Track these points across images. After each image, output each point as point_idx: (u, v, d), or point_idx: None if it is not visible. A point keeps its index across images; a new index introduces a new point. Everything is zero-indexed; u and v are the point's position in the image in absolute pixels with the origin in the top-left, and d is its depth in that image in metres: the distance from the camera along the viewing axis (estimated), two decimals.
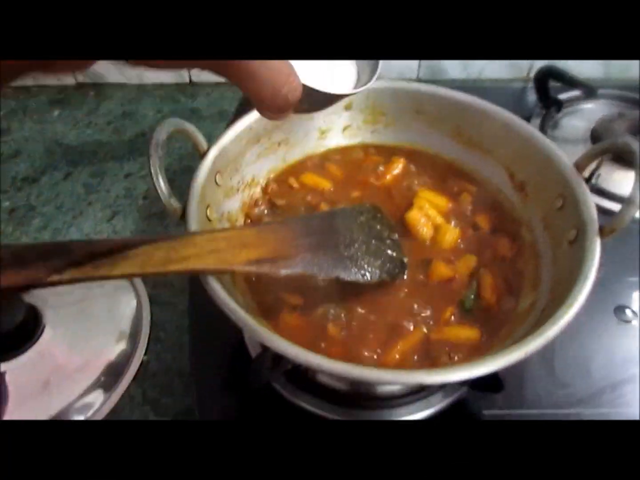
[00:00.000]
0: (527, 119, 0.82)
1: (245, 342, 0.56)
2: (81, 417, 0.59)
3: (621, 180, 0.73)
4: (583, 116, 0.83)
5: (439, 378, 0.35)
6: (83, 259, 0.35)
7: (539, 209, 0.52)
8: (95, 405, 0.61)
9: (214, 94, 1.06)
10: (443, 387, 0.53)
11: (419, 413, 0.52)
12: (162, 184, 0.44)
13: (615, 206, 0.71)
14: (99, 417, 0.60)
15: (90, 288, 0.71)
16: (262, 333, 0.37)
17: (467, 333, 0.47)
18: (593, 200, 0.46)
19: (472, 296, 0.49)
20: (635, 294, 0.63)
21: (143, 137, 0.96)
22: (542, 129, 0.80)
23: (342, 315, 0.47)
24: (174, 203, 0.45)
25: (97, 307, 0.70)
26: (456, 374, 0.35)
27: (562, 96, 0.86)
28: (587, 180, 0.67)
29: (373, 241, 0.50)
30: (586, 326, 0.60)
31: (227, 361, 0.57)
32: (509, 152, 0.56)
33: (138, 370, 0.68)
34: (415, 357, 0.45)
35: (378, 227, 0.52)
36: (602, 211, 0.46)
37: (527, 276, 0.50)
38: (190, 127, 0.48)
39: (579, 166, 0.49)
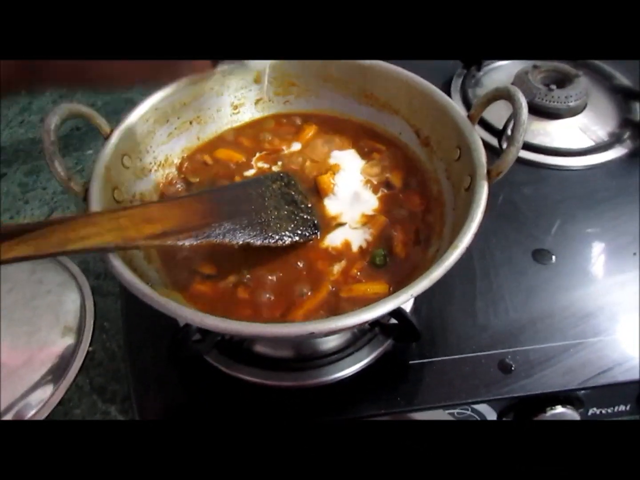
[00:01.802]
0: (450, 79, 0.84)
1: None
2: (30, 412, 0.60)
3: (537, 130, 0.76)
4: (503, 72, 0.85)
5: (329, 325, 0.37)
6: None
7: (442, 162, 0.54)
8: (44, 399, 0.62)
9: (149, 83, 1.06)
10: (369, 343, 0.56)
11: (349, 369, 0.54)
12: (58, 169, 0.44)
13: (532, 156, 0.73)
14: (47, 409, 0.61)
15: (32, 285, 0.72)
16: (156, 299, 0.38)
17: (375, 288, 0.48)
18: (483, 148, 0.48)
19: (383, 253, 0.50)
20: (554, 238, 0.66)
21: (78, 131, 0.96)
22: (464, 87, 0.82)
23: (253, 280, 0.48)
24: (75, 186, 0.46)
25: (40, 304, 0.71)
26: (345, 320, 0.37)
27: None
28: (502, 131, 0.69)
29: (286, 206, 0.51)
30: (505, 269, 0.62)
31: (162, 342, 0.59)
32: (413, 109, 0.57)
33: (84, 360, 0.69)
34: (322, 314, 0.46)
35: (292, 192, 0.53)
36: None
37: (435, 227, 0.52)
38: (88, 111, 0.49)
39: (472, 116, 0.50)
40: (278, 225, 0.49)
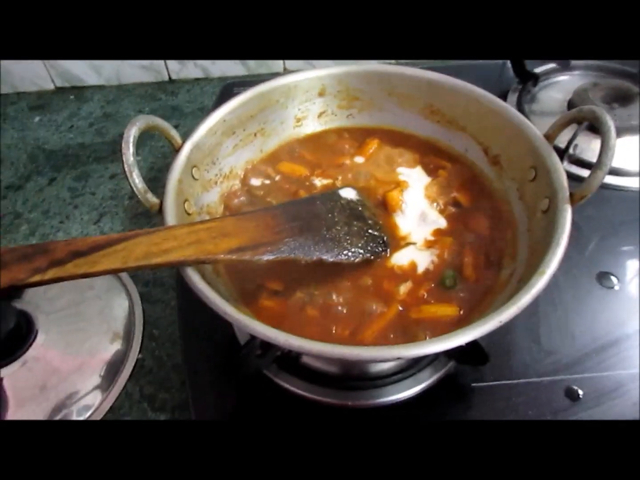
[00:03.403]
0: (505, 94, 0.83)
1: (235, 333, 0.57)
2: (80, 418, 0.60)
3: (597, 149, 0.74)
4: (560, 88, 0.83)
5: (415, 351, 0.36)
6: (64, 258, 0.36)
7: (514, 182, 0.53)
8: (94, 405, 0.62)
9: (194, 89, 1.06)
10: (431, 364, 0.54)
11: (409, 391, 0.53)
12: (136, 180, 0.44)
13: None
14: (98, 416, 0.61)
15: (82, 291, 0.72)
16: (239, 318, 0.37)
17: (445, 310, 0.47)
18: (564, 169, 0.46)
19: (452, 274, 0.49)
20: (617, 260, 0.64)
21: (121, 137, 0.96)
22: (520, 103, 0.81)
23: (321, 297, 0.48)
24: (151, 199, 0.45)
25: (89, 310, 0.71)
26: (431, 347, 0.36)
27: (538, 69, 0.86)
28: (565, 150, 0.68)
29: (354, 222, 0.51)
30: (569, 293, 0.61)
31: (219, 352, 0.58)
32: (482, 127, 0.56)
33: (134, 368, 0.69)
34: (392, 336, 0.45)
35: (359, 208, 0.52)
36: (580, 180, 0.46)
37: (506, 250, 0.51)
38: (163, 123, 0.49)
39: (549, 136, 0.49)
40: (349, 242, 0.48)
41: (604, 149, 0.42)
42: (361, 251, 0.48)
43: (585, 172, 0.71)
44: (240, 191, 0.57)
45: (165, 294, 0.77)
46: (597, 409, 0.52)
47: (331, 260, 0.46)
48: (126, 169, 0.44)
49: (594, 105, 0.74)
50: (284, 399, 0.53)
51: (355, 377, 0.55)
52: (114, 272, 0.36)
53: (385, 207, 0.54)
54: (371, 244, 0.50)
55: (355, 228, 0.50)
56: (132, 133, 0.44)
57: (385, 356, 0.36)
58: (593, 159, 0.71)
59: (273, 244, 0.43)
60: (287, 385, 0.53)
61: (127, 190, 0.85)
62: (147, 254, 0.38)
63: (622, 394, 0.53)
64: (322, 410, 0.53)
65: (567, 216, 0.43)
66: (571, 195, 0.44)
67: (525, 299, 0.38)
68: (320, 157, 0.60)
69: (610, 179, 0.72)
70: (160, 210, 0.45)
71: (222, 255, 0.41)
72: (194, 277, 0.40)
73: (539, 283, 0.39)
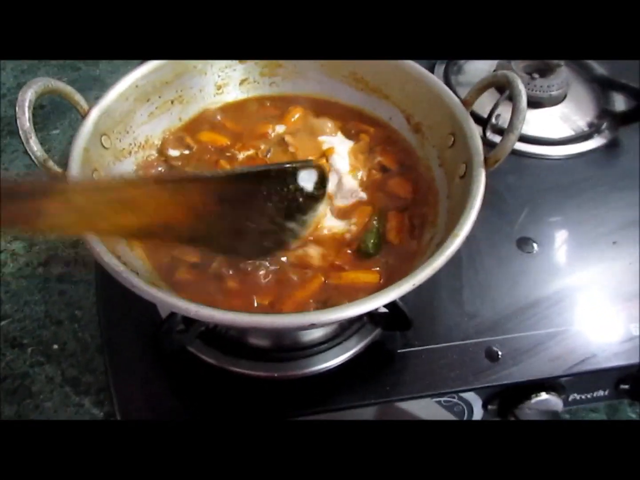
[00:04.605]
0: (433, 65, 0.83)
1: (158, 310, 0.55)
2: None
3: None
4: (484, 61, 0.84)
5: (327, 317, 0.35)
6: None
7: (434, 149, 0.53)
8: None
9: (117, 60, 1.01)
10: (358, 331, 0.55)
11: (336, 359, 0.53)
12: (34, 148, 0.41)
13: (518, 145, 0.73)
14: None
15: None
16: (149, 291, 0.36)
17: (366, 277, 0.47)
18: (488, 139, 0.47)
19: (372, 240, 0.49)
20: (537, 226, 0.67)
21: (42, 109, 0.90)
22: (446, 74, 0.81)
23: (240, 267, 0.46)
24: (53, 167, 0.42)
25: None
26: (343, 312, 0.36)
27: None
28: (487, 120, 0.69)
29: (282, 221, 0.43)
30: (491, 258, 0.62)
31: (141, 331, 0.56)
32: (404, 95, 0.56)
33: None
34: (313, 305, 0.45)
35: (301, 202, 0.43)
36: None
37: (428, 215, 0.52)
38: (65, 87, 0.45)
39: (466, 102, 0.49)
40: (263, 242, 0.43)
41: (515, 112, 0.43)
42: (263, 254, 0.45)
43: None
44: (157, 161, 0.54)
45: (89, 274, 0.74)
46: (515, 367, 0.54)
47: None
48: (22, 135, 0.40)
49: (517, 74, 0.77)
50: (209, 375, 0.52)
51: (283, 348, 0.54)
52: None
53: None
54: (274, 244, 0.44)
55: (276, 226, 0.42)
56: (27, 97, 0.41)
57: (299, 323, 0.35)
58: None
59: (186, 232, 0.38)
60: (211, 361, 0.52)
61: None
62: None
63: (538, 352, 0.55)
64: (248, 383, 0.52)
65: (481, 180, 0.44)
66: (485, 160, 0.45)
67: (439, 261, 0.38)
68: (242, 127, 0.58)
69: (532, 148, 0.74)
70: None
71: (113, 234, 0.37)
72: (98, 248, 0.38)
73: (453, 245, 0.40)
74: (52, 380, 0.67)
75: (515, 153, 0.73)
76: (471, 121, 0.48)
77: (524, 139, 0.74)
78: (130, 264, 0.43)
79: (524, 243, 0.64)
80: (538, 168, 0.73)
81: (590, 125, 0.76)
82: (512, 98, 0.44)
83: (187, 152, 0.56)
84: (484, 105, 0.69)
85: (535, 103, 0.77)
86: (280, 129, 0.58)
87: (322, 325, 0.38)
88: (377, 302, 0.37)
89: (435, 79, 0.53)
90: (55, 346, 0.69)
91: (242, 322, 0.35)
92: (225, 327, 0.51)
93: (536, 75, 0.77)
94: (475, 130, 0.47)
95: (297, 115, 0.59)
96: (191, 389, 0.52)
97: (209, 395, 0.52)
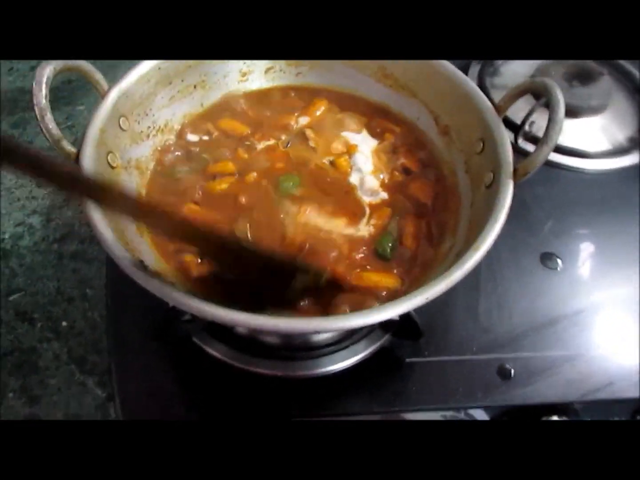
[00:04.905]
0: (466, 66, 0.80)
1: None
2: None
3: None
4: (524, 62, 0.81)
5: (333, 325, 0.34)
6: None
7: (461, 154, 0.51)
8: None
9: None
10: (367, 336, 0.53)
11: (344, 362, 0.51)
12: (49, 126, 0.40)
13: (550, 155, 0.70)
14: None
15: None
16: (144, 278, 0.35)
17: (387, 280, 0.45)
18: (519, 146, 0.45)
19: (390, 244, 0.48)
20: (564, 242, 0.64)
21: (69, 84, 0.90)
22: (481, 76, 0.78)
23: None
24: (67, 146, 0.41)
25: None
26: (349, 321, 0.34)
27: None
28: (520, 127, 0.66)
29: None
30: (511, 272, 0.60)
31: (148, 315, 0.55)
32: (434, 94, 0.54)
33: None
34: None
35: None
36: None
37: (448, 222, 0.49)
38: (87, 66, 0.44)
39: (499, 108, 0.47)
40: None
41: (552, 123, 0.41)
42: None
43: None
44: (175, 146, 0.53)
45: (102, 253, 0.73)
46: (527, 388, 0.52)
47: None
48: (37, 112, 0.39)
49: (556, 81, 0.73)
50: (213, 367, 0.51)
51: (289, 347, 0.53)
52: None
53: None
54: None
55: None
56: (45, 73, 0.40)
57: (303, 329, 0.34)
58: None
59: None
60: (215, 354, 0.51)
61: (68, 140, 0.80)
62: None
63: (553, 374, 0.53)
64: (250, 380, 0.51)
65: (508, 191, 0.41)
66: (515, 170, 0.43)
67: (455, 275, 0.37)
68: (264, 116, 0.56)
69: (565, 159, 0.71)
70: (77, 160, 0.41)
71: None
72: (104, 232, 0.37)
73: (472, 259, 0.37)
74: (59, 357, 0.67)
75: (547, 163, 0.70)
76: (503, 128, 0.46)
77: (558, 149, 0.71)
78: (138, 250, 0.42)
79: (547, 258, 0.61)
80: (569, 181, 0.70)
81: (630, 140, 0.73)
82: (549, 107, 0.41)
83: (206, 137, 0.54)
84: (517, 110, 0.67)
85: (572, 112, 0.74)
86: (303, 120, 0.56)
87: (326, 332, 0.37)
88: (386, 314, 0.35)
89: (468, 80, 0.50)
90: (65, 323, 0.69)
91: (243, 322, 0.34)
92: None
93: (576, 83, 0.73)
94: (507, 138, 0.45)
95: (322, 109, 0.57)
96: (193, 380, 0.52)
97: (209, 387, 0.51)
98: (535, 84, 0.43)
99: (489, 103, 0.48)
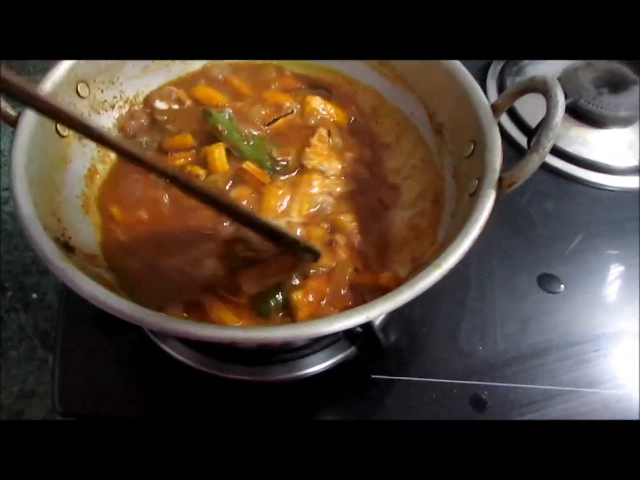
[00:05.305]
0: (487, 64, 0.74)
1: None
2: None
3: (575, 137, 0.66)
4: (551, 64, 0.74)
5: (279, 334, 0.30)
6: None
7: (452, 157, 0.46)
8: None
9: None
10: (331, 345, 0.49)
11: (301, 372, 0.48)
12: None
13: (563, 165, 0.64)
14: None
15: None
16: (60, 269, 0.31)
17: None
18: (501, 148, 0.39)
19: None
20: (568, 264, 0.57)
21: None
22: (502, 76, 0.71)
23: None
24: (5, 108, 0.38)
25: None
26: (291, 332, 0.30)
27: None
28: (534, 131, 0.60)
29: None
30: (503, 291, 0.54)
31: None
32: (431, 88, 0.48)
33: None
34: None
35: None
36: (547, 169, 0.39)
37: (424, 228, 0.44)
38: None
39: (496, 107, 0.41)
40: None
41: (545, 128, 0.35)
42: None
43: (553, 160, 0.63)
44: (140, 112, 0.48)
45: None
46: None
47: None
48: None
49: (583, 86, 0.66)
50: (169, 367, 0.48)
51: (250, 351, 0.49)
52: None
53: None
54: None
55: None
56: None
57: (240, 338, 0.30)
58: (567, 147, 0.64)
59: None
60: (174, 354, 0.48)
61: None
62: None
63: (534, 411, 0.48)
64: (214, 383, 0.48)
65: (487, 203, 0.36)
66: (500, 179, 0.37)
67: (403, 296, 0.31)
68: (248, 89, 0.51)
69: (584, 173, 0.64)
70: (15, 125, 0.38)
71: None
72: (22, 202, 0.34)
73: (429, 278, 0.32)
74: (24, 330, 0.65)
75: (563, 175, 0.64)
76: (496, 130, 0.40)
77: (577, 161, 0.64)
78: (71, 228, 0.39)
79: (547, 281, 0.55)
80: (586, 197, 0.63)
81: None
82: (546, 108, 0.35)
83: (176, 106, 0.50)
84: (535, 112, 0.60)
85: (599, 122, 0.67)
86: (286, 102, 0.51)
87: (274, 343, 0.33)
88: (324, 329, 0.31)
89: (465, 72, 0.44)
90: (35, 295, 0.67)
91: (185, 333, 0.30)
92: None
93: (605, 90, 0.66)
94: (499, 142, 0.39)
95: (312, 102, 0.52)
96: (145, 379, 0.49)
97: (163, 387, 0.48)
98: (535, 82, 0.37)
99: (485, 101, 0.42)
